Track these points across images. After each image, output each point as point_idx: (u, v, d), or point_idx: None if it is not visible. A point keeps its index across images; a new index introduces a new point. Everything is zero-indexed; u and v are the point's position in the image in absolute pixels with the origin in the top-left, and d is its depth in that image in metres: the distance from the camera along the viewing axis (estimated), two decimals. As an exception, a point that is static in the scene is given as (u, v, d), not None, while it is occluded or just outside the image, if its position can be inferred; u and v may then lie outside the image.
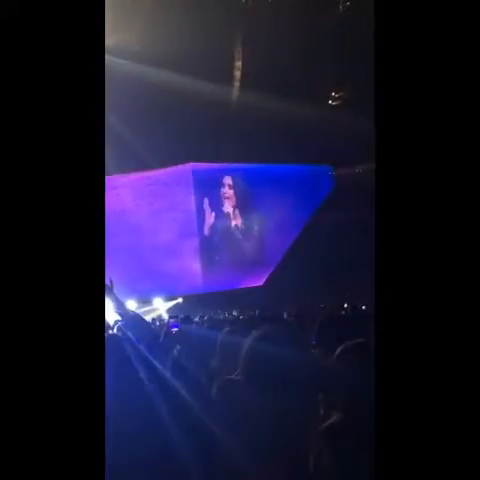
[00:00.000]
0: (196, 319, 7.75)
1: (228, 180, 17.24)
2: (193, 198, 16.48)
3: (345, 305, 8.28)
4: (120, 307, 2.75)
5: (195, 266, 16.32)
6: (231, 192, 17.24)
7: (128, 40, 11.09)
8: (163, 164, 15.34)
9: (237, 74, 13.32)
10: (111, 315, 2.81)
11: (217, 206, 17.10)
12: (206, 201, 16.85)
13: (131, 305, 13.87)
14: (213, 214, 16.99)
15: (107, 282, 2.60)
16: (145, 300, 14.99)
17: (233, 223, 17.27)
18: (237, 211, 17.30)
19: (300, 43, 11.46)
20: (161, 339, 3.24)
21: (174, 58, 11.25)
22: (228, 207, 17.23)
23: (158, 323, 9.75)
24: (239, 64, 13.00)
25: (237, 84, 13.54)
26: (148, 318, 12.74)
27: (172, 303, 15.87)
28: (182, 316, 6.86)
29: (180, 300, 15.94)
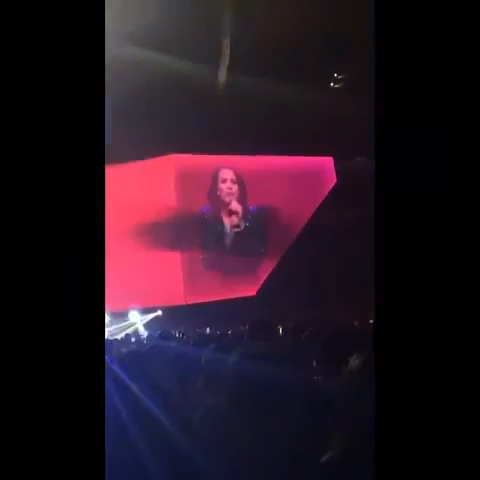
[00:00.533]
0: (177, 335, 7.76)
1: (230, 174, 17.17)
2: (175, 195, 16.40)
3: (349, 317, 8.31)
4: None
5: (177, 274, 16.24)
6: (235, 188, 17.14)
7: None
8: (143, 156, 15.29)
9: (232, 61, 13.36)
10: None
11: (205, 204, 17.02)
12: (193, 198, 16.77)
13: (103, 318, 13.81)
14: (200, 213, 16.92)
15: None
16: (119, 312, 14.95)
17: (224, 223, 17.20)
18: (231, 209, 17.22)
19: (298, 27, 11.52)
20: (137, 357, 3.25)
21: (166, 42, 11.30)
22: (227, 205, 17.14)
23: (134, 339, 9.75)
24: (234, 49, 13.04)
25: (232, 71, 13.59)
26: (123, 333, 12.74)
27: (150, 316, 15.84)
28: (161, 331, 6.86)
29: (159, 313, 15.91)
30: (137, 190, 15.78)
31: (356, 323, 7.69)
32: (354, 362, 2.03)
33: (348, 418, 1.90)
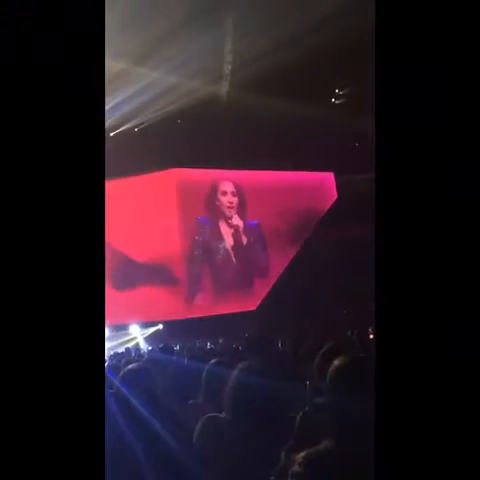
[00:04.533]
0: (178, 348, 7.74)
1: (230, 187, 17.19)
2: (176, 208, 16.41)
3: (349, 333, 8.27)
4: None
5: (178, 288, 16.20)
6: (236, 200, 17.16)
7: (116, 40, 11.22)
8: (146, 170, 15.34)
9: (233, 76, 13.47)
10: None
11: (205, 217, 17.02)
12: (194, 212, 16.77)
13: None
14: (200, 227, 16.91)
15: None
16: (120, 326, 14.92)
17: (225, 237, 17.19)
18: (232, 224, 17.22)
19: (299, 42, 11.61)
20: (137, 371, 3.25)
21: (166, 58, 11.42)
22: (228, 219, 17.13)
23: (134, 353, 9.72)
24: (235, 65, 13.15)
25: (233, 87, 13.69)
26: (123, 347, 12.70)
27: (151, 330, 15.80)
28: (162, 345, 6.84)
29: (160, 327, 15.87)
30: (138, 204, 15.82)
31: (355, 338, 7.66)
32: (352, 377, 2.02)
33: (348, 431, 1.90)
